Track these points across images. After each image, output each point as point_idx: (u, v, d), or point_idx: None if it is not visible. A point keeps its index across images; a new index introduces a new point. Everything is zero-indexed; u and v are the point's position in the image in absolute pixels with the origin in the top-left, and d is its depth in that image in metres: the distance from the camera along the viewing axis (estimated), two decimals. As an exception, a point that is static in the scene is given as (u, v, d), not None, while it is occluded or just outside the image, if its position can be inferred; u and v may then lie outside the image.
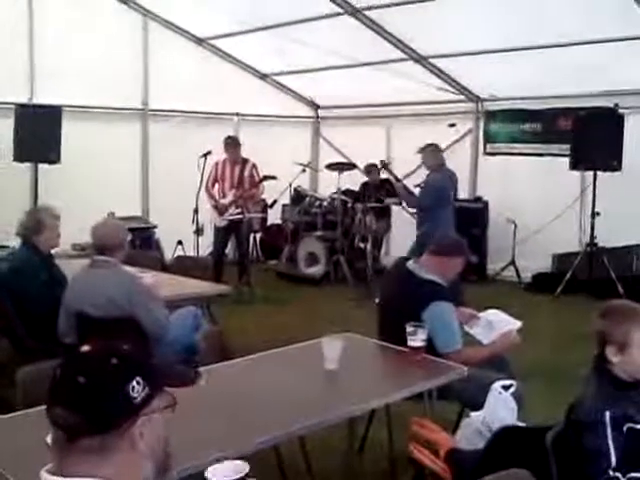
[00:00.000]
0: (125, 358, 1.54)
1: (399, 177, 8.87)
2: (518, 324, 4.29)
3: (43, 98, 8.96)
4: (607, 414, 2.48)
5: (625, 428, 2.47)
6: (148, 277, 4.88)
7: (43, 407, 1.53)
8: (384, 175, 10.70)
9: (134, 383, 1.49)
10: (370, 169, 10.52)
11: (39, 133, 8.41)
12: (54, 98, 8.82)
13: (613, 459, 2.43)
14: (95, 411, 1.45)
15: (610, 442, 2.44)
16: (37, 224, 4.96)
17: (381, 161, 8.94)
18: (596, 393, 2.60)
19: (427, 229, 7.81)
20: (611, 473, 2.41)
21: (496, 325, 4.29)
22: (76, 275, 4.51)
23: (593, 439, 2.47)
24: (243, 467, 2.10)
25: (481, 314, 4.44)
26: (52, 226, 5.04)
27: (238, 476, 2.05)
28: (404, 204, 9.19)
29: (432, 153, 8.38)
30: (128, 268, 4.64)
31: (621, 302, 2.80)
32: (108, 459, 1.47)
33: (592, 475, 2.45)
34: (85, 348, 1.54)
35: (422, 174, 8.92)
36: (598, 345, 2.67)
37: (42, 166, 8.73)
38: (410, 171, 10.70)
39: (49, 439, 1.59)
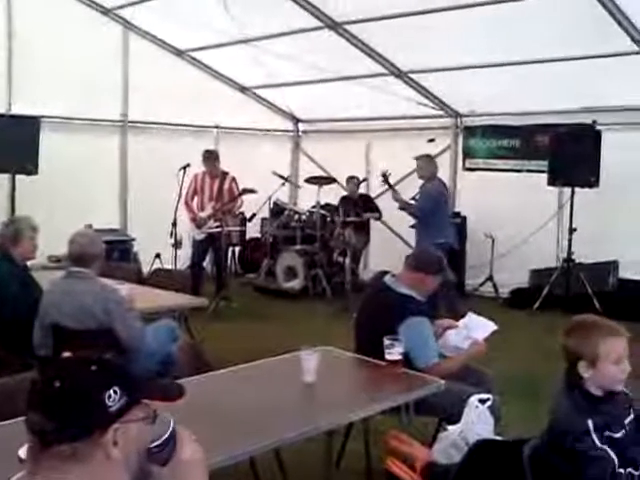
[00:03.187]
0: (105, 366, 1.53)
1: (396, 189, 8.87)
2: (493, 327, 4.29)
3: (21, 109, 8.91)
4: (590, 422, 2.51)
5: (605, 434, 2.50)
6: (123, 289, 4.84)
7: (14, 420, 1.51)
8: (364, 190, 10.76)
9: (111, 392, 1.48)
10: (350, 182, 10.54)
11: (17, 144, 8.36)
12: (33, 109, 8.78)
13: (615, 460, 2.47)
14: (69, 417, 1.44)
15: (605, 447, 2.48)
16: (15, 235, 4.92)
17: (382, 173, 8.92)
18: (573, 407, 2.61)
19: (436, 240, 7.87)
20: (622, 471, 2.46)
21: (472, 331, 4.29)
22: (52, 286, 4.48)
23: (585, 448, 2.49)
24: (167, 420, 1.66)
25: (460, 322, 4.44)
26: (30, 237, 5.00)
27: (167, 435, 1.65)
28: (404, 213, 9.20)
29: (427, 162, 8.55)
30: (104, 280, 4.61)
31: (585, 317, 2.81)
32: (82, 467, 1.45)
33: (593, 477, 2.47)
34: (65, 355, 1.54)
35: (402, 188, 8.99)
36: (568, 362, 2.69)
37: (20, 177, 8.67)
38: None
39: (21, 452, 1.57)
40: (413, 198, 8.74)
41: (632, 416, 2.66)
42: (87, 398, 1.47)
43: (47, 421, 1.43)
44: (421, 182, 8.78)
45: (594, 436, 2.49)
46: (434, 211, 8.28)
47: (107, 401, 1.47)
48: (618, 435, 2.54)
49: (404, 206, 8.67)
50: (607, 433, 2.51)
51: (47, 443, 1.44)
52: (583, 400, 2.61)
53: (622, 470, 2.46)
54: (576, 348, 2.66)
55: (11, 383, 3.17)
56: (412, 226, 8.89)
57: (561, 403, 2.68)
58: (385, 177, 8.79)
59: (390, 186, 8.80)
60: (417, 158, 8.72)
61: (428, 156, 8.82)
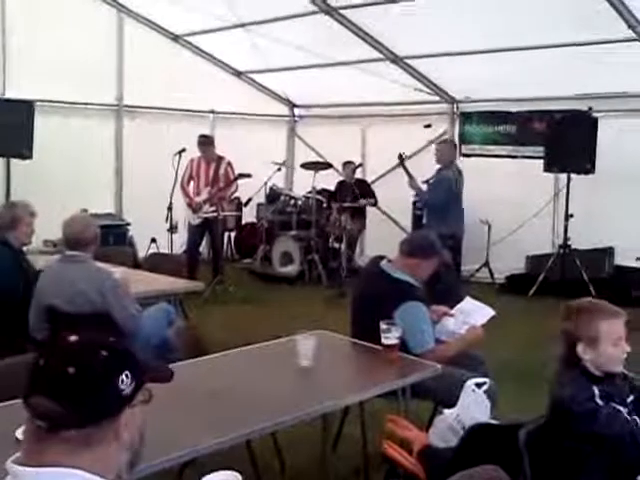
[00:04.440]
0: (114, 350, 1.52)
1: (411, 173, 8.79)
2: (491, 312, 4.29)
3: (15, 93, 8.87)
4: (595, 388, 2.57)
5: (610, 404, 2.55)
6: (118, 273, 4.83)
7: (9, 402, 1.49)
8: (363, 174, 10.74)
9: (123, 376, 1.48)
10: (346, 168, 10.51)
11: (11, 128, 8.32)
12: (27, 93, 8.74)
13: (625, 414, 2.55)
14: (84, 403, 1.43)
15: (615, 405, 2.55)
16: (12, 219, 4.92)
17: (399, 154, 8.83)
18: (575, 384, 2.63)
19: (447, 230, 7.83)
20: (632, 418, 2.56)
21: (469, 316, 4.29)
22: (47, 270, 4.47)
23: (593, 408, 2.54)
24: (236, 478, 1.97)
25: (454, 310, 4.44)
26: (27, 222, 5.00)
27: None
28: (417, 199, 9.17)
29: (449, 148, 8.52)
30: (99, 264, 4.60)
31: (581, 300, 2.84)
32: (93, 451, 1.45)
33: (614, 435, 2.52)
34: (72, 338, 1.51)
35: (397, 174, 8.95)
36: (566, 345, 2.71)
37: (14, 161, 8.64)
38: (385, 171, 10.75)
39: (19, 434, 1.56)
40: (427, 181, 8.68)
41: (633, 397, 2.68)
42: (103, 383, 1.46)
43: (60, 406, 1.41)
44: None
45: (599, 401, 2.52)
46: (447, 201, 8.22)
47: (120, 385, 1.47)
48: (622, 408, 2.56)
49: (419, 193, 8.63)
50: (612, 404, 2.54)
51: (57, 427, 1.43)
52: (584, 377, 2.63)
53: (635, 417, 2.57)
54: (576, 330, 2.67)
55: (7, 364, 3.17)
56: (419, 211, 8.86)
57: (561, 384, 2.69)
58: (401, 159, 8.70)
59: (406, 170, 8.66)
60: (438, 143, 8.67)
61: (451, 142, 8.77)
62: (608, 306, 2.75)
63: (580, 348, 2.65)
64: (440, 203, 8.25)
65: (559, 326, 2.77)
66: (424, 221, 8.91)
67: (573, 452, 2.57)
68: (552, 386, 2.74)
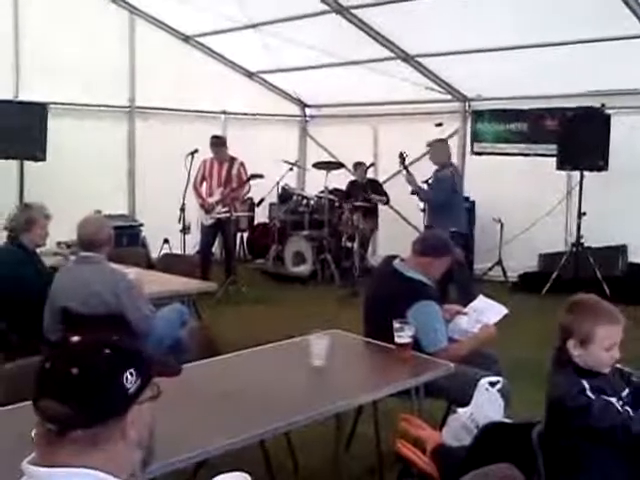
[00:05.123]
0: (117, 349, 1.52)
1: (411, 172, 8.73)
2: (504, 311, 4.29)
3: (29, 95, 8.91)
4: (584, 382, 2.57)
5: (602, 397, 2.55)
6: (132, 273, 4.85)
7: (26, 403, 1.50)
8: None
9: (127, 374, 1.48)
10: (357, 169, 10.50)
11: (24, 130, 8.37)
12: (40, 95, 8.79)
13: (618, 405, 2.54)
14: (90, 403, 1.44)
15: (606, 397, 2.54)
16: (27, 221, 4.94)
17: (400, 153, 8.80)
18: (567, 380, 2.63)
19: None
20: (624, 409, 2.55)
21: (482, 315, 4.29)
22: (62, 271, 4.50)
23: (585, 403, 2.53)
24: (245, 479, 1.96)
25: (467, 308, 4.44)
26: (42, 225, 5.03)
27: None
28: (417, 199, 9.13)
29: (441, 147, 8.44)
30: (114, 265, 4.62)
31: (587, 297, 2.80)
32: (99, 449, 1.46)
33: (608, 427, 2.50)
34: (75, 339, 1.52)
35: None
36: (561, 339, 2.70)
37: (28, 163, 8.68)
38: (397, 170, 10.73)
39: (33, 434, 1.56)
40: (426, 182, 8.67)
41: (628, 390, 2.67)
42: (107, 382, 1.47)
43: (67, 408, 1.42)
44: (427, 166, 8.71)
45: (590, 394, 2.52)
46: (448, 200, 8.19)
47: (125, 383, 1.47)
48: (614, 400, 2.56)
49: (417, 190, 8.60)
50: (603, 396, 2.54)
51: (66, 429, 1.43)
52: (575, 374, 2.64)
53: (627, 408, 2.55)
54: (571, 325, 2.66)
55: (21, 366, 3.19)
56: (422, 210, 8.85)
57: (555, 381, 2.69)
58: (402, 158, 8.69)
59: (406, 168, 8.65)
60: (430, 143, 8.57)
61: (442, 141, 8.68)
62: (610, 310, 2.70)
63: (571, 343, 2.65)
64: (441, 202, 8.19)
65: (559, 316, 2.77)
66: (425, 221, 8.87)
67: (571, 451, 2.57)
68: (547, 387, 2.73)
